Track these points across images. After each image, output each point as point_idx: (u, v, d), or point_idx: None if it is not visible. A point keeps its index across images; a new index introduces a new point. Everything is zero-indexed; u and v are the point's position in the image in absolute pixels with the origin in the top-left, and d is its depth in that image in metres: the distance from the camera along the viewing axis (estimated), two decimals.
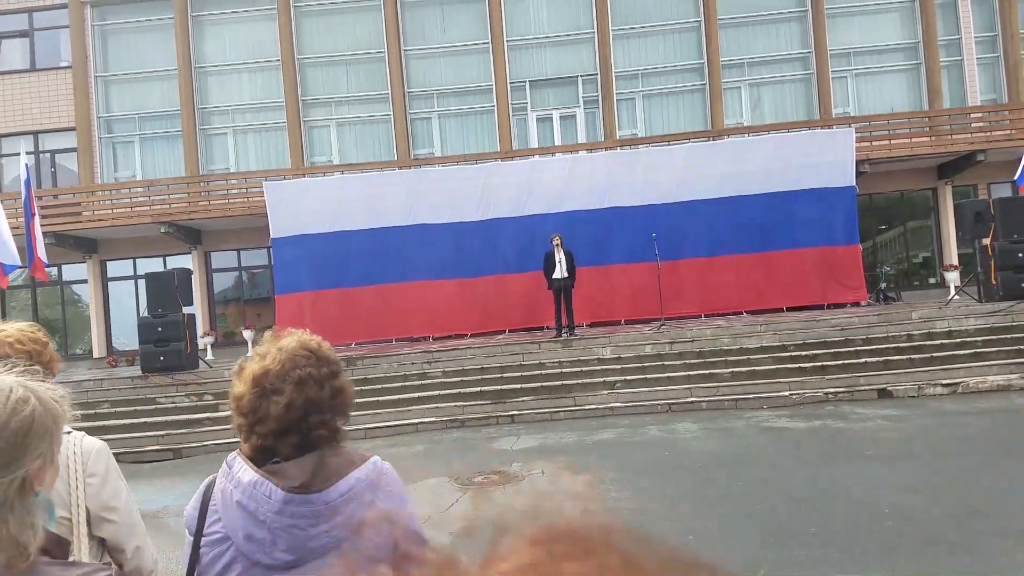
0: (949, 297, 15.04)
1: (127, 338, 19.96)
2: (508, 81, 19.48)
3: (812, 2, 19.10)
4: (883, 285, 17.97)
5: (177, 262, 18.81)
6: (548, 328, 16.45)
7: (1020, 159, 9.93)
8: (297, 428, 1.55)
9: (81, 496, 1.97)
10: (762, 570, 4.62)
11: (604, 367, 11.86)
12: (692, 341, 12.41)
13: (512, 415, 10.82)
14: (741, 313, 16.38)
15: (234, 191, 18.80)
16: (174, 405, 12.12)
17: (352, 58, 19.99)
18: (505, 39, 19.57)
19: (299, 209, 17.16)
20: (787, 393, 10.73)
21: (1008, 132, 17.60)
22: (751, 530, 5.38)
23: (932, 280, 19.04)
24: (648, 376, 11.61)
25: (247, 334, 18.06)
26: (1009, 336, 11.46)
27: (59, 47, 20.43)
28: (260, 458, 1.56)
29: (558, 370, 11.98)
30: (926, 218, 19.41)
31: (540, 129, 19.76)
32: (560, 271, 13.28)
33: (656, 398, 10.97)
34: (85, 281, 19.74)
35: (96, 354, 19.33)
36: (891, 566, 4.59)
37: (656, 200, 16.89)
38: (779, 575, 4.53)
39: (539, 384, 11.54)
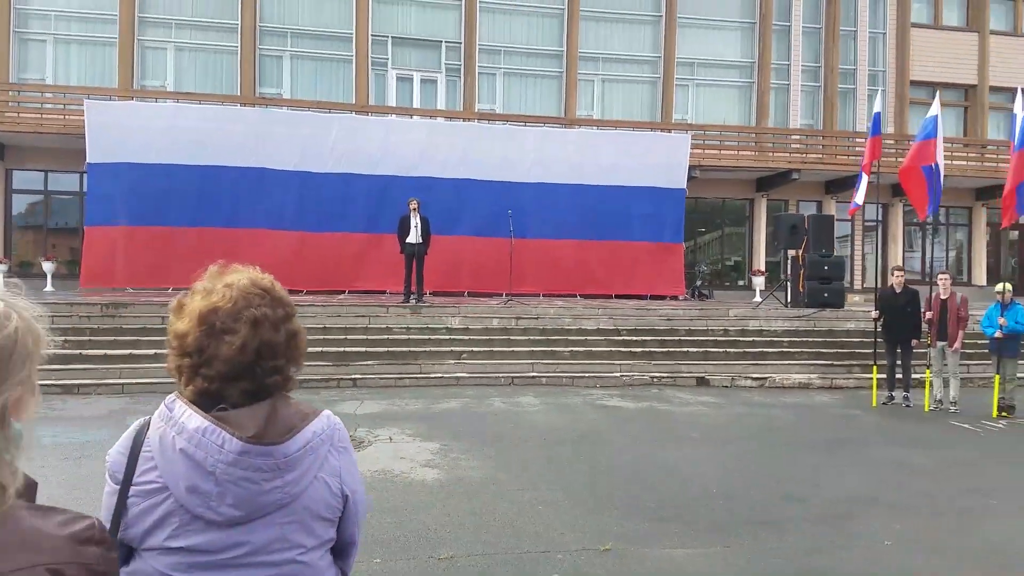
0: (760, 300, 16.35)
1: None
2: (370, 33, 18.68)
3: (667, 8, 19.86)
4: (699, 283, 19.25)
5: None
6: (391, 293, 16.12)
7: (857, 182, 10.86)
8: (250, 373, 1.40)
9: None
10: (609, 542, 4.72)
11: (452, 337, 11.75)
12: (537, 319, 12.59)
13: (355, 379, 10.43)
14: (575, 295, 16.88)
15: (49, 105, 16.65)
16: None
17: None
18: None
19: (124, 135, 15.40)
20: (618, 374, 11.15)
21: (820, 156, 19.35)
22: (596, 503, 5.46)
23: (741, 282, 20.61)
24: (494, 349, 11.62)
25: (47, 266, 16.15)
26: (811, 339, 12.61)
27: None
28: (203, 404, 1.39)
29: (405, 336, 11.72)
30: (741, 225, 20.96)
31: (400, 88, 19.13)
32: (415, 236, 12.98)
33: (500, 371, 10.99)
34: None
35: None
36: (726, 541, 4.82)
37: (509, 178, 16.96)
38: (625, 547, 4.65)
39: (385, 349, 11.20)
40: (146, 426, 1.43)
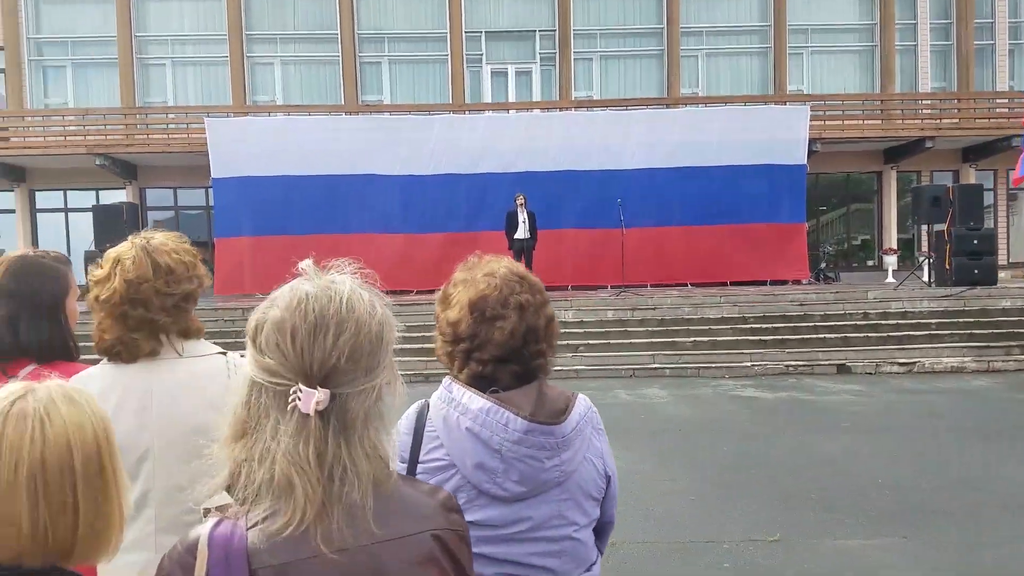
0: (898, 281, 15.12)
1: None
2: (464, 30, 18.62)
3: None
4: (823, 265, 18.07)
5: (110, 197, 17.54)
6: None
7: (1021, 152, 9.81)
8: (518, 356, 1.50)
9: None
10: (778, 533, 4.34)
11: (567, 330, 11.45)
12: (653, 309, 12.11)
13: (440, 373, 10.28)
14: (686, 284, 16.18)
15: (175, 126, 17.50)
16: None
17: None
18: None
19: (242, 149, 16.08)
20: (749, 364, 10.55)
21: (956, 121, 17.76)
22: (752, 495, 5.11)
23: (870, 262, 19.26)
24: (611, 341, 11.28)
25: None
26: (962, 320, 11.53)
27: None
28: (478, 386, 1.49)
29: None
30: (868, 201, 19.56)
31: (494, 83, 19.01)
32: (523, 231, 12.77)
33: (620, 363, 10.68)
34: (12, 211, 18.22)
35: None
36: (902, 531, 4.34)
37: (611, 165, 16.47)
38: (795, 538, 4.25)
39: None
40: (426, 408, 1.55)
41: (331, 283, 1.07)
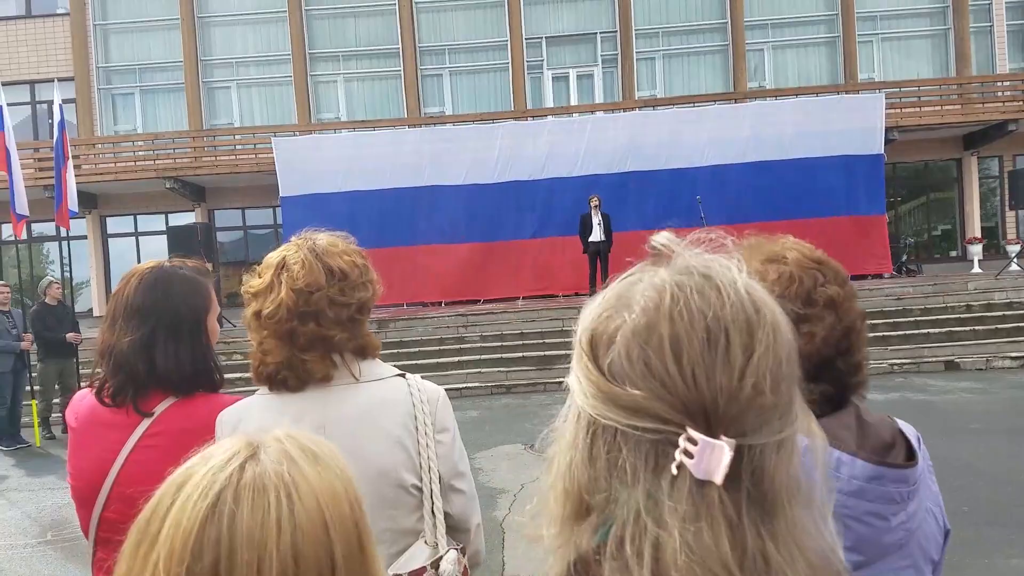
0: (1003, 267, 14.53)
1: None
2: (524, 37, 18.57)
3: None
4: (904, 257, 17.47)
5: (180, 219, 18.01)
6: (565, 296, 15.84)
7: None
8: (831, 371, 1.14)
9: (433, 458, 1.53)
10: None
11: None
12: None
13: (559, 381, 10.09)
14: None
15: (241, 146, 17.82)
16: None
17: (361, 10, 18.96)
18: None
19: (309, 167, 16.36)
20: None
21: None
22: None
23: (953, 253, 18.58)
24: None
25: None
26: None
27: None
28: None
29: None
30: (948, 190, 18.88)
31: (556, 88, 18.92)
32: (598, 233, 12.60)
33: None
34: (84, 237, 18.75)
35: (96, 312, 18.38)
36: None
37: (679, 164, 16.23)
38: (959, 558, 3.96)
39: None
40: None
41: (709, 268, 0.71)
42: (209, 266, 13.83)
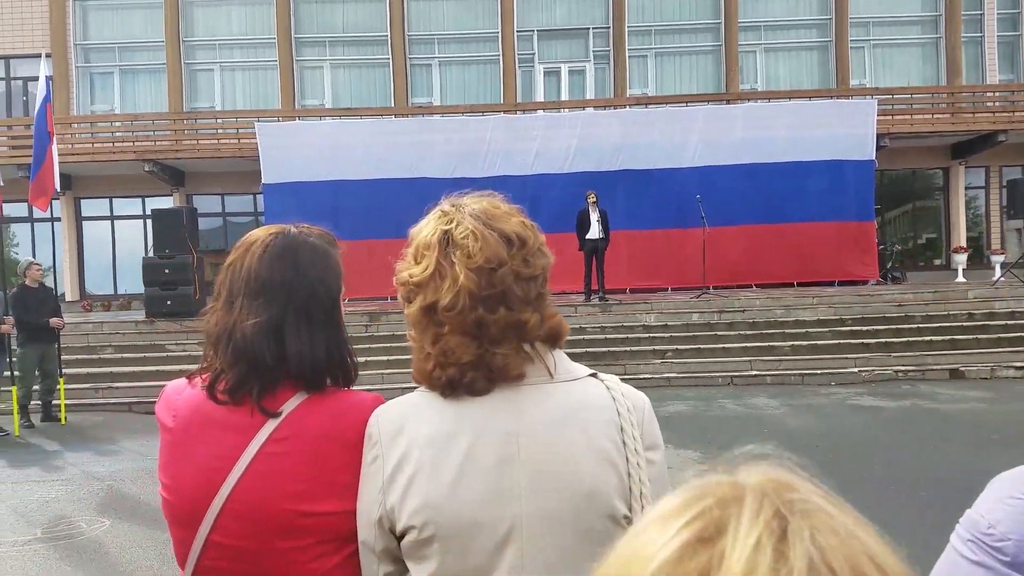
0: (999, 276, 14.55)
1: (102, 281, 18.59)
2: (516, 30, 18.25)
3: None
4: (889, 264, 17.45)
5: (157, 204, 17.41)
6: (554, 294, 15.54)
7: None
8: None
9: (646, 483, 1.19)
10: None
11: (651, 335, 11.08)
12: (742, 311, 11.70)
13: None
14: (750, 286, 15.68)
15: (223, 131, 17.33)
16: (187, 353, 10.99)
17: None
18: None
19: (293, 154, 15.90)
20: (855, 369, 10.12)
21: None
22: (943, 522, 4.58)
23: (938, 261, 18.60)
24: (702, 346, 10.86)
25: None
26: None
27: None
28: None
29: (601, 336, 11.17)
30: (935, 198, 18.89)
31: (547, 82, 18.62)
32: (596, 231, 12.33)
33: (714, 370, 10.29)
34: (58, 219, 18.16)
35: (69, 297, 17.82)
36: None
37: (672, 164, 16.03)
38: None
39: (583, 350, 10.63)
40: None
41: None
42: (194, 253, 13.47)
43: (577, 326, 11.51)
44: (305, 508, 1.24)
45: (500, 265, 1.17)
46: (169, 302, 12.45)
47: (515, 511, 1.13)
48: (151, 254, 13.49)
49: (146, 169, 16.83)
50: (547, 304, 1.24)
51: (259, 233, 1.40)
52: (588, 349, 10.78)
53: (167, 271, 12.60)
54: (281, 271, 1.33)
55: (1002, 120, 16.84)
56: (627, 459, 1.18)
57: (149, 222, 17.75)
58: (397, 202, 15.95)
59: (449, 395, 1.19)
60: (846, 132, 15.97)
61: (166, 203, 17.57)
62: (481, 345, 1.17)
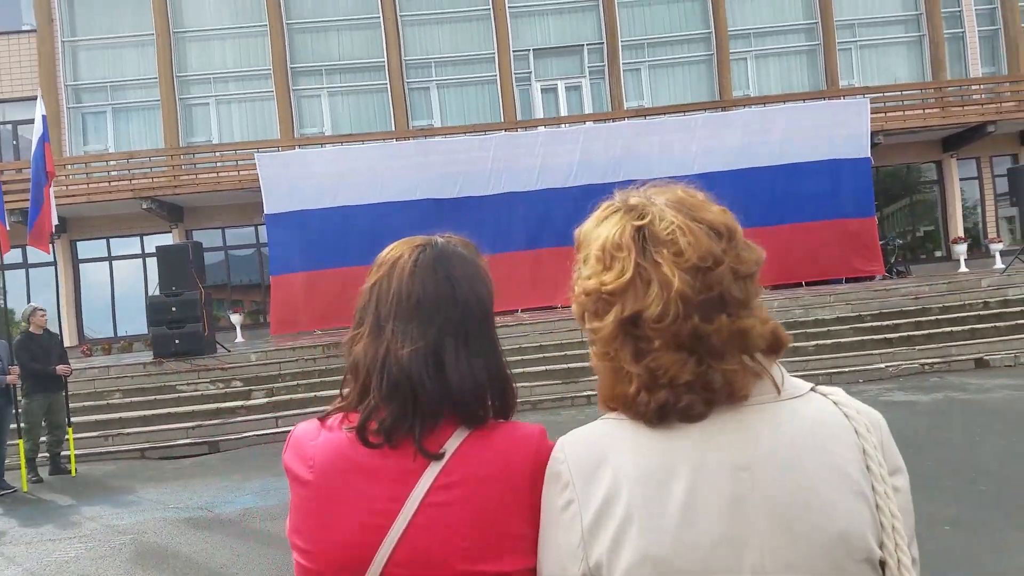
0: (1009, 263, 14.81)
1: (101, 324, 18.25)
2: (511, 50, 18.40)
3: None
4: (893, 259, 17.71)
5: (156, 241, 17.14)
6: (565, 308, 15.55)
7: None
8: None
9: (897, 516, 0.96)
10: None
11: None
12: None
13: (587, 395, 9.89)
14: (763, 288, 15.80)
15: (223, 163, 17.19)
16: (199, 393, 10.72)
17: (345, 23, 18.57)
18: (507, 5, 18.46)
19: (295, 183, 15.74)
20: (881, 365, 10.13)
21: (1016, 103, 17.49)
22: (1014, 516, 4.62)
23: (938, 253, 18.91)
24: None
25: (235, 318, 16.70)
26: None
27: (20, 9, 18.34)
28: None
29: None
30: (930, 191, 19.26)
31: (544, 99, 18.77)
32: None
33: None
34: (52, 264, 17.81)
35: (67, 342, 17.40)
36: None
37: (673, 172, 16.14)
38: None
39: None
40: None
41: None
42: (202, 289, 13.26)
43: None
44: (480, 568, 1.04)
45: (716, 263, 0.99)
46: (178, 341, 11.99)
47: (753, 561, 0.93)
48: (155, 292, 13.17)
49: (144, 207, 16.62)
50: (761, 304, 1.05)
51: (401, 247, 1.24)
52: None
53: (174, 309, 12.18)
54: (435, 287, 1.16)
55: (990, 111, 17.27)
56: (873, 488, 0.98)
57: (149, 260, 17.61)
58: (403, 224, 15.71)
59: (657, 423, 0.99)
60: (841, 132, 16.24)
61: (165, 240, 17.32)
62: (702, 361, 0.97)
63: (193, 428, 9.81)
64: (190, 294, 12.02)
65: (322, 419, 1.15)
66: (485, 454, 1.09)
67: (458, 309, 1.15)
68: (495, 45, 18.40)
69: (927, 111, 17.50)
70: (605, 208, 1.10)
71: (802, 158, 16.19)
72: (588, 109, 18.56)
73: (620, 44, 18.53)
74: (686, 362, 0.96)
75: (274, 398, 10.42)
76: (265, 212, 15.77)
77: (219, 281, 18.69)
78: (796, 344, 10.84)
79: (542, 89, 18.74)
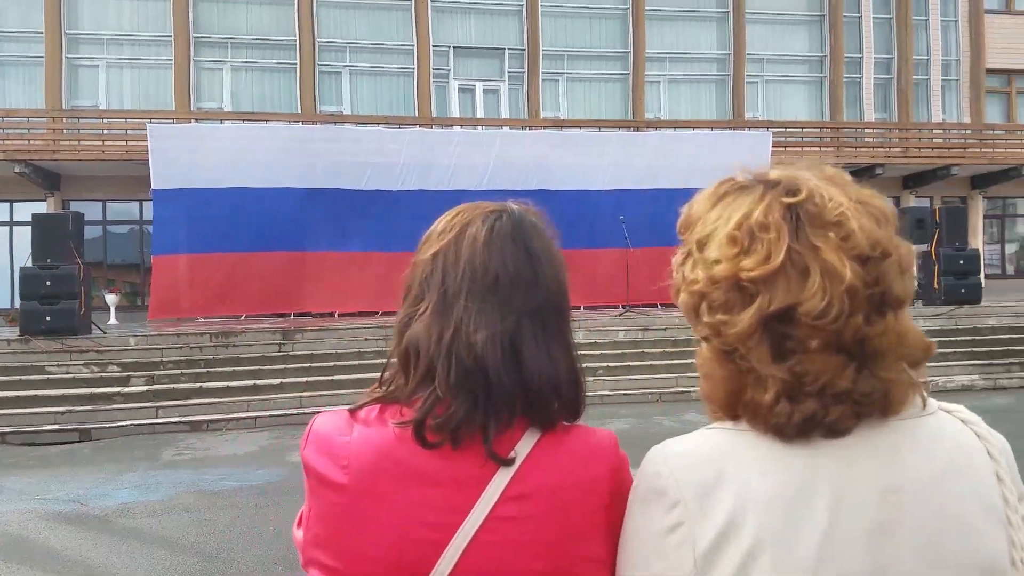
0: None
1: None
2: (431, 44, 18.28)
3: (734, 5, 19.49)
4: None
5: (27, 210, 15.92)
6: None
7: None
8: None
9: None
10: None
11: (582, 352, 11.11)
12: (664, 329, 12.06)
13: None
14: (656, 306, 16.34)
15: (110, 131, 16.18)
16: (71, 376, 9.98)
17: None
18: None
19: (188, 159, 14.95)
20: None
21: (903, 149, 18.90)
22: None
23: None
24: (631, 364, 11.10)
25: (110, 298, 15.72)
26: (959, 338, 12.09)
27: None
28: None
29: None
30: None
31: (461, 99, 18.74)
32: None
33: (643, 386, 10.51)
34: None
35: None
36: None
37: (585, 186, 16.51)
38: None
39: None
40: None
41: None
42: (81, 263, 12.38)
43: None
44: None
45: (884, 254, 0.85)
46: (49, 318, 11.07)
47: None
48: (27, 263, 12.23)
49: (16, 171, 15.44)
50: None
51: (469, 212, 1.07)
52: None
53: (48, 283, 11.28)
54: (515, 263, 1.01)
55: (880, 155, 18.60)
56: (1008, 518, 0.89)
57: (17, 230, 16.36)
58: (304, 213, 15.43)
59: (795, 437, 0.85)
60: (743, 162, 15.86)
61: (38, 209, 16.10)
62: (861, 367, 0.85)
63: (62, 413, 9.15)
64: (68, 268, 11.20)
65: (352, 411, 0.99)
66: (562, 462, 0.95)
67: (539, 291, 1.01)
68: (415, 37, 18.24)
69: (823, 149, 18.65)
70: (724, 184, 0.99)
71: (706, 184, 16.66)
72: (505, 114, 18.68)
73: (541, 52, 18.76)
74: (844, 367, 0.84)
75: (155, 386, 9.85)
76: (152, 187, 14.95)
77: (95, 258, 17.53)
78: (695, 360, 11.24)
79: (460, 89, 18.71)
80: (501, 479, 0.93)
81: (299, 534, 1.00)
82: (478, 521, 0.91)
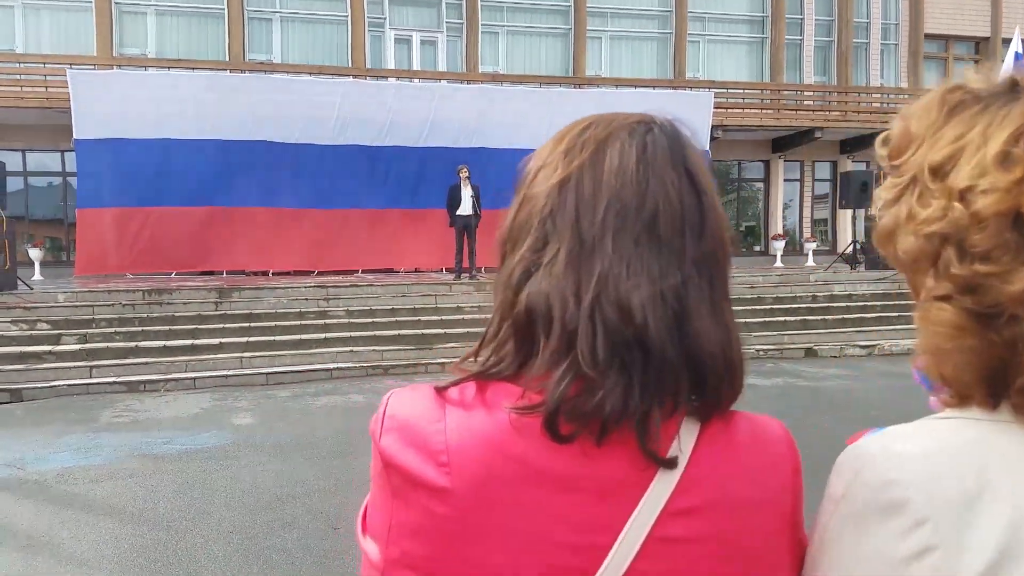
0: (832, 261, 16.90)
1: None
2: None
3: None
4: None
5: None
6: (419, 271, 15.98)
7: None
8: None
9: None
10: None
11: None
12: None
13: (441, 363, 10.32)
14: None
15: (27, 76, 15.76)
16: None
17: None
18: None
19: (113, 108, 14.78)
20: None
21: (842, 113, 19.73)
22: None
23: (757, 247, 21.03)
24: None
25: (34, 253, 15.51)
26: (901, 302, 12.96)
27: None
28: None
29: (480, 315, 11.62)
30: (757, 189, 21.30)
31: (397, 50, 18.74)
32: (468, 207, 12.75)
33: None
34: None
35: None
36: None
37: (525, 144, 16.80)
38: None
39: (463, 330, 11.11)
40: None
41: None
42: (2, 216, 12.25)
43: (454, 305, 12.00)
44: None
45: None
46: None
47: None
48: None
49: None
50: None
51: (607, 125, 0.85)
52: (468, 329, 11.30)
53: None
54: (679, 192, 0.78)
55: (819, 118, 19.42)
56: None
57: None
58: (235, 166, 15.41)
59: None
60: (685, 122, 17.48)
61: None
62: None
63: None
64: None
65: (440, 389, 0.77)
66: (736, 463, 0.75)
67: (707, 235, 0.78)
68: None
69: (764, 111, 19.36)
70: (953, 92, 0.80)
71: None
72: (442, 67, 18.78)
73: (480, 3, 18.83)
74: None
75: (88, 345, 10.01)
76: (75, 137, 14.79)
77: (17, 212, 17.19)
78: None
79: (396, 39, 18.71)
80: (662, 487, 0.72)
81: (371, 547, 0.77)
82: (636, 543, 0.71)
